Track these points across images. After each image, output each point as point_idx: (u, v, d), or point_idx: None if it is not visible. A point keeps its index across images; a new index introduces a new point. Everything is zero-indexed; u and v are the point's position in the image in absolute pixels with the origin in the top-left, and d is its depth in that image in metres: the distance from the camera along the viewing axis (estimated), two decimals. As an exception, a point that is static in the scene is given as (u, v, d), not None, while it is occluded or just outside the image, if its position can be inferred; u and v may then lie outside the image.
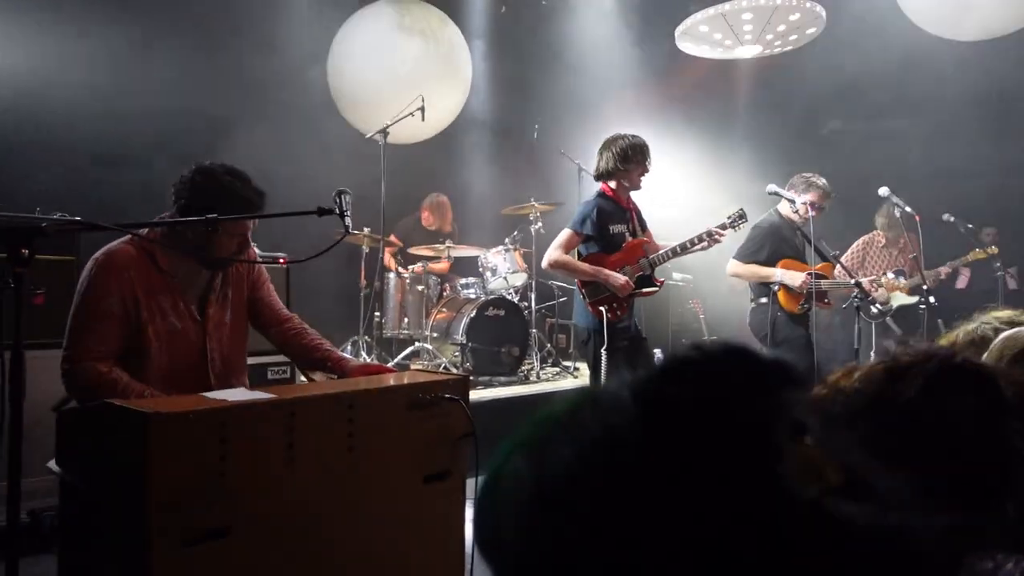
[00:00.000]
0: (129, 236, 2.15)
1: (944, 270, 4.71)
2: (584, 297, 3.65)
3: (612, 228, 3.71)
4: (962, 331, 1.40)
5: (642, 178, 3.78)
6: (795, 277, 3.99)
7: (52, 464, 2.27)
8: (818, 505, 0.41)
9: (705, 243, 3.71)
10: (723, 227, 3.73)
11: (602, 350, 3.53)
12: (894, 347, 0.83)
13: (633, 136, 3.80)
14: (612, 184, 3.75)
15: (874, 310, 3.61)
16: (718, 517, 0.40)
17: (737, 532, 0.40)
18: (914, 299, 5.24)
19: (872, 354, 4.63)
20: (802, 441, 0.45)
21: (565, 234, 3.66)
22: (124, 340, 2.09)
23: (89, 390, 2.01)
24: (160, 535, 1.48)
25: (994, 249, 4.80)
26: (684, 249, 3.75)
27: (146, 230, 2.14)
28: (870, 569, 0.41)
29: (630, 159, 3.70)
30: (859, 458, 0.63)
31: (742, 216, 3.72)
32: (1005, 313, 1.38)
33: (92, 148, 4.77)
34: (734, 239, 4.24)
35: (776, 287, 4.09)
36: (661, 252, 3.77)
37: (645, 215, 4.04)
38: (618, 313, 3.61)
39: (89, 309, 2.05)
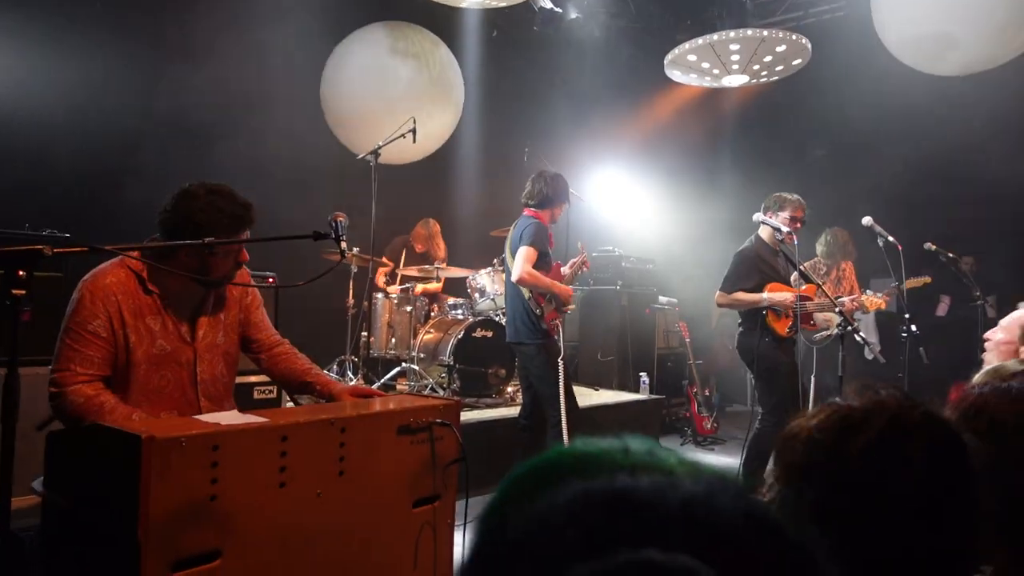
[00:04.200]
0: (120, 258, 2.15)
1: (883, 297, 4.78)
2: (541, 311, 3.98)
3: (548, 251, 4.08)
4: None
5: (560, 214, 4.20)
6: (784, 297, 4.05)
7: (36, 484, 2.25)
8: None
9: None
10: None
11: (559, 359, 3.95)
12: (858, 387, 0.79)
13: (560, 176, 4.19)
14: (543, 212, 4.10)
15: (857, 338, 3.65)
16: None
17: None
18: (858, 323, 5.34)
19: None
20: None
21: (528, 251, 3.92)
22: (111, 362, 2.09)
23: (77, 414, 2.00)
24: (151, 558, 1.47)
25: (927, 279, 4.88)
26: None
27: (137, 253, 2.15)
28: None
29: (561, 193, 4.11)
30: (806, 521, 0.58)
31: None
32: None
33: (75, 164, 4.75)
34: (723, 269, 4.31)
35: (764, 312, 4.14)
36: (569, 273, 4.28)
37: (630, 236, 4.30)
38: (560, 326, 4.07)
39: (76, 332, 2.04)
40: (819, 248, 5.63)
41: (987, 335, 2.95)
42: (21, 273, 1.46)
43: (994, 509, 0.76)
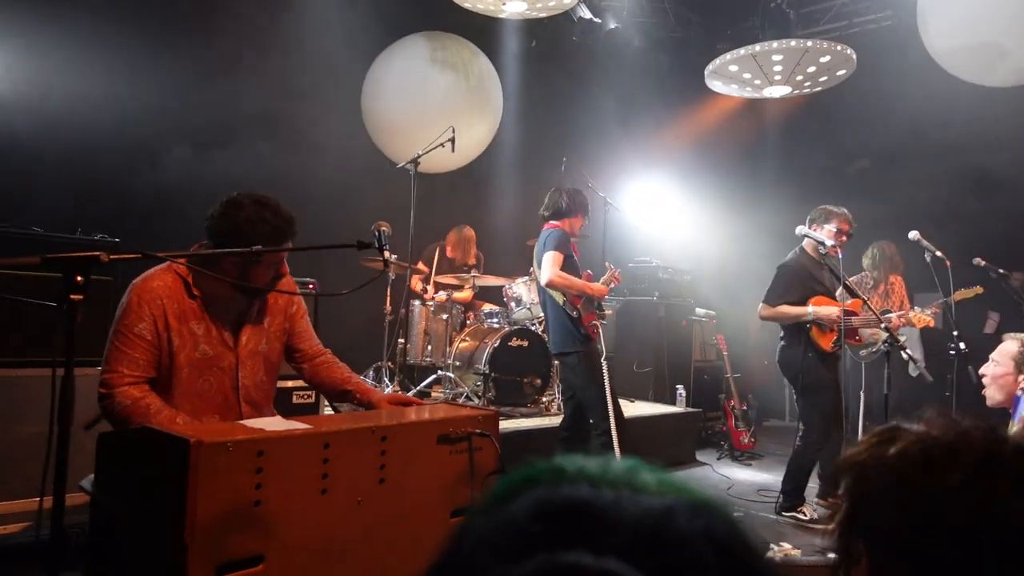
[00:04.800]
0: (168, 263, 2.21)
1: (931, 310, 4.67)
2: (579, 313, 3.98)
3: (574, 255, 4.11)
4: None
5: (581, 229, 4.25)
6: (830, 312, 3.97)
7: (84, 483, 2.31)
8: None
9: None
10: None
11: (602, 360, 3.95)
12: (932, 415, 0.76)
13: (578, 190, 4.24)
14: (562, 223, 4.13)
15: (903, 356, 3.56)
16: None
17: None
18: (902, 338, 5.23)
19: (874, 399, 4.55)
20: None
21: (554, 255, 3.94)
22: (156, 365, 2.14)
23: (124, 415, 2.06)
24: (196, 561, 1.50)
25: (980, 289, 4.76)
26: None
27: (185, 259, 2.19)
28: None
29: (579, 206, 4.14)
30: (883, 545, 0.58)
31: None
32: None
33: (118, 171, 4.83)
34: (762, 282, 4.24)
35: (809, 326, 4.06)
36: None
37: (667, 247, 4.27)
38: (599, 328, 4.05)
39: (123, 335, 2.11)
40: (865, 262, 5.52)
41: (982, 371, 2.88)
42: (79, 279, 1.50)
43: None
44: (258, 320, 2.33)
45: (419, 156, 5.26)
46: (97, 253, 1.50)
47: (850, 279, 5.47)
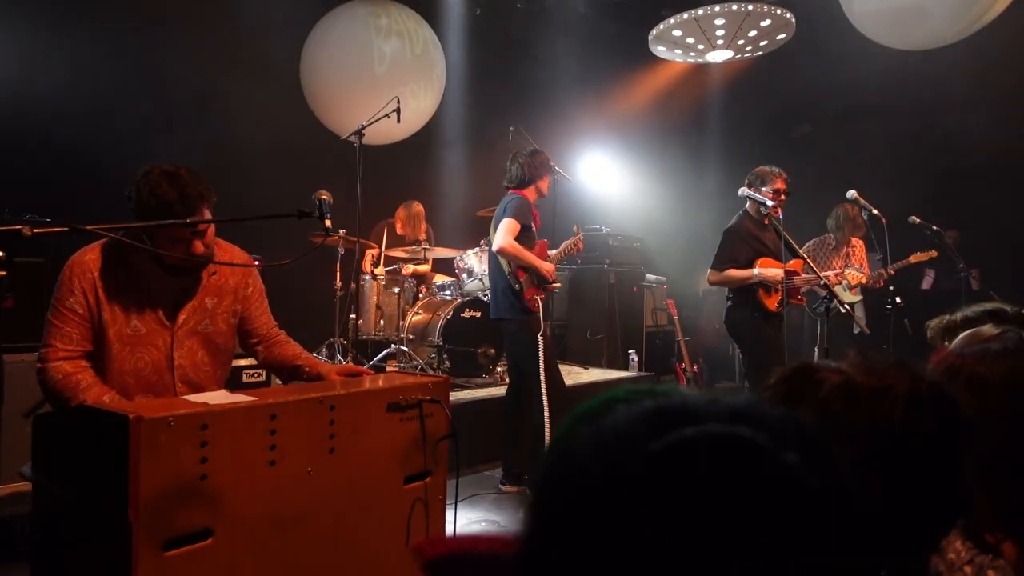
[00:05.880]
0: (103, 240, 2.14)
1: (886, 271, 4.85)
2: (521, 287, 4.01)
3: (532, 226, 4.10)
4: (960, 315, 1.45)
5: (547, 187, 4.25)
6: (775, 273, 4.06)
7: (25, 469, 2.24)
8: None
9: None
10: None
11: (538, 335, 3.98)
12: (855, 356, 0.85)
13: (536, 150, 4.26)
14: (528, 191, 4.13)
15: (842, 310, 3.68)
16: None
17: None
18: (858, 298, 5.42)
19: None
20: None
21: (510, 223, 3.94)
22: (91, 339, 2.11)
23: (56, 389, 2.03)
24: (143, 538, 1.47)
25: (934, 253, 4.95)
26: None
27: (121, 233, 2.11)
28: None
29: (540, 168, 4.14)
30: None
31: None
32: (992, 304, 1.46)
33: (51, 147, 4.68)
34: (710, 246, 4.32)
35: (755, 288, 4.16)
36: (557, 252, 4.33)
37: (617, 214, 4.31)
38: (540, 302, 4.08)
39: (56, 308, 2.09)
40: (829, 223, 5.62)
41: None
42: (1, 254, 1.44)
43: (975, 460, 0.82)
44: (199, 299, 2.26)
45: (364, 127, 5.16)
46: (19, 227, 1.43)
47: (813, 240, 5.62)
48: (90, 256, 2.13)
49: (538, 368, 3.94)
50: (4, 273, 1.41)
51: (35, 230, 1.46)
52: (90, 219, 1.89)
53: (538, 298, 4.05)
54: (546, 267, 4.07)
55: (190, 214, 2.05)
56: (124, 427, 1.47)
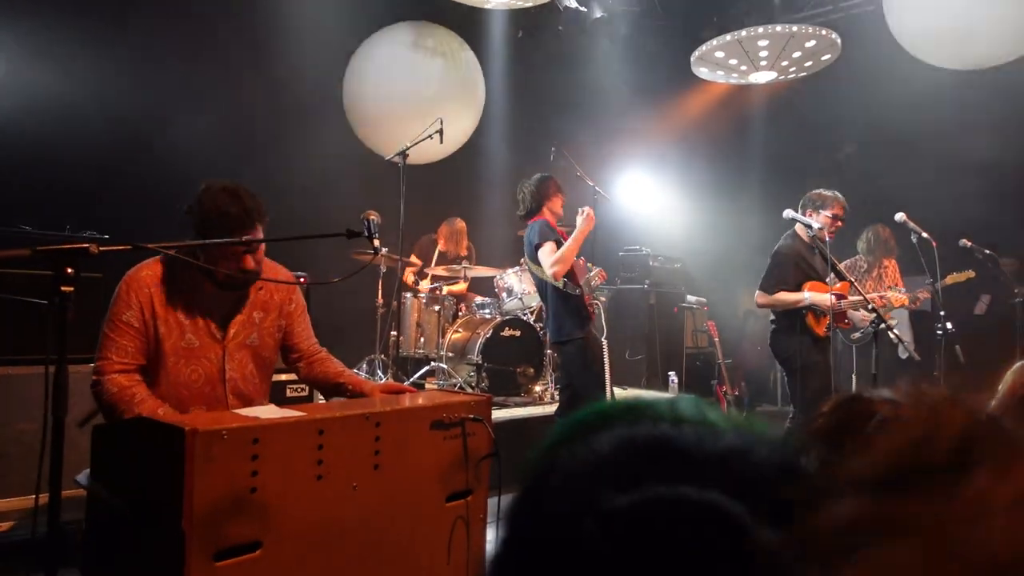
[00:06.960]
0: (158, 256, 2.22)
1: (921, 293, 4.71)
2: (580, 292, 4.08)
3: (561, 240, 4.15)
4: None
5: (562, 207, 4.31)
6: (824, 298, 4.00)
7: (80, 477, 2.32)
8: None
9: None
10: None
11: (603, 355, 4.10)
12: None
13: (542, 175, 4.32)
14: (542, 215, 4.21)
15: (891, 335, 3.59)
16: None
17: None
18: (894, 321, 5.28)
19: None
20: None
21: (549, 247, 4.04)
22: (145, 352, 2.17)
23: (111, 402, 2.10)
24: (195, 549, 1.51)
25: (971, 273, 4.79)
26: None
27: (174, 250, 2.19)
28: None
29: (546, 191, 4.21)
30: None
31: None
32: None
33: (108, 167, 4.84)
34: (751, 267, 4.27)
35: (804, 311, 4.09)
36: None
37: (657, 235, 4.36)
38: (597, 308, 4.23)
39: (113, 322, 2.15)
40: (860, 245, 5.53)
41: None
42: (69, 271, 1.50)
43: None
44: (248, 313, 2.33)
45: (408, 148, 5.25)
46: (86, 245, 1.50)
47: (844, 263, 5.52)
48: (146, 272, 2.21)
49: (603, 384, 4.05)
50: (72, 289, 1.47)
51: (101, 248, 1.53)
52: (139, 235, 1.97)
53: (595, 303, 4.16)
54: (584, 230, 4.07)
55: (249, 228, 2.13)
56: (180, 439, 1.52)
